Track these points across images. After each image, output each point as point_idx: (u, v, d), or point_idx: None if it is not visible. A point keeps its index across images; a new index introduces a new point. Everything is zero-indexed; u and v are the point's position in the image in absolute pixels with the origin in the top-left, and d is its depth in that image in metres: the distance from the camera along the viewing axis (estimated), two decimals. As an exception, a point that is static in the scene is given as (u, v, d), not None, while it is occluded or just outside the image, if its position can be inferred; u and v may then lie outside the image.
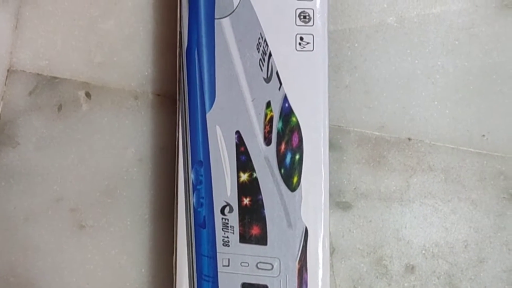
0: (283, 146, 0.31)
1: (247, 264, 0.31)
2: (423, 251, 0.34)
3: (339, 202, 0.35)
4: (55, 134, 0.35)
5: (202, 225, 0.31)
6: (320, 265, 0.30)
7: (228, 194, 0.31)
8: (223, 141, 0.31)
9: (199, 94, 0.31)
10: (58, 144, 0.35)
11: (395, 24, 0.35)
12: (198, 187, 0.31)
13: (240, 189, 0.31)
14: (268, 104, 0.31)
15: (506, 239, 0.34)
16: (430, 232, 0.34)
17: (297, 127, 0.31)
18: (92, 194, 0.35)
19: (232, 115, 0.31)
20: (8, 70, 0.35)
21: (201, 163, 0.31)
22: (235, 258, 0.31)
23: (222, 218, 0.31)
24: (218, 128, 0.31)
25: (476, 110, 0.35)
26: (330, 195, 0.34)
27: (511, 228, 0.34)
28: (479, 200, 0.34)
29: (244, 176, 0.31)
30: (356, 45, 0.35)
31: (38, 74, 0.35)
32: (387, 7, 0.35)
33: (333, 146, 0.35)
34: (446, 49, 0.35)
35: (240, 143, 0.31)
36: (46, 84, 0.35)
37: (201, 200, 0.31)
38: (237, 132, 0.31)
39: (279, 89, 0.31)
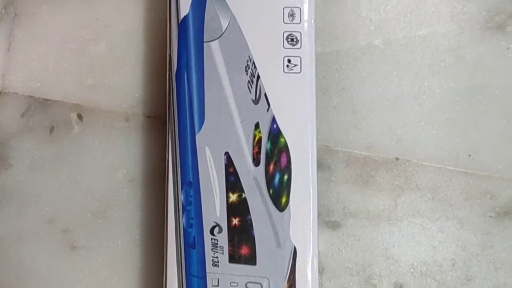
0: (271, 167, 0.31)
1: (236, 284, 0.31)
2: (412, 270, 0.35)
3: (328, 221, 0.35)
4: (47, 156, 0.35)
5: (191, 246, 0.31)
6: (309, 285, 0.31)
7: (218, 214, 0.31)
8: (212, 162, 0.31)
9: (189, 116, 0.32)
10: (50, 166, 0.35)
11: (382, 46, 0.36)
12: (187, 207, 0.31)
13: (229, 209, 0.31)
14: (257, 125, 0.31)
15: (493, 257, 0.35)
16: (418, 251, 0.35)
17: (285, 148, 0.31)
18: (83, 215, 0.35)
19: (221, 137, 0.31)
20: (0, 93, 0.36)
21: (191, 184, 0.31)
22: (224, 278, 0.31)
23: (212, 239, 0.31)
24: (207, 149, 0.32)
25: (463, 130, 0.35)
26: (319, 214, 0.35)
27: (498, 246, 0.35)
28: (466, 218, 0.35)
29: (233, 197, 0.31)
30: (343, 66, 0.36)
31: (30, 96, 0.36)
32: (374, 30, 0.36)
33: (322, 166, 0.35)
34: (432, 71, 0.36)
35: (229, 164, 0.31)
36: (38, 106, 0.36)
37: (191, 220, 0.31)
38: (226, 153, 0.31)
39: (268, 110, 0.31)
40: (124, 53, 0.36)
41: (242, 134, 0.31)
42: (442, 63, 0.36)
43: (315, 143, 0.31)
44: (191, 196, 0.31)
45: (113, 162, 0.35)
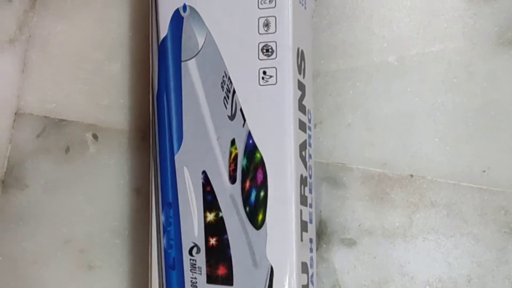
0: (247, 184, 0.31)
1: None
2: (427, 287, 0.35)
3: (343, 239, 0.35)
4: (63, 176, 0.36)
5: (171, 267, 0.31)
6: None
7: (196, 234, 0.31)
8: (190, 182, 0.31)
9: (168, 136, 0.32)
10: (66, 186, 0.35)
11: (395, 63, 0.36)
12: (168, 228, 0.31)
13: (207, 229, 0.31)
14: (233, 142, 0.31)
15: (508, 273, 0.35)
16: (433, 267, 0.35)
17: (261, 163, 0.31)
18: (100, 235, 0.35)
19: (199, 155, 0.31)
20: (15, 113, 0.36)
21: (170, 204, 0.31)
22: None
23: (190, 259, 0.31)
24: (185, 169, 0.31)
25: (476, 146, 0.36)
26: (335, 232, 0.35)
27: (512, 261, 0.35)
28: (481, 234, 0.35)
29: (210, 216, 0.31)
30: (358, 84, 0.36)
31: (45, 116, 0.36)
32: (388, 46, 0.36)
33: (337, 183, 0.35)
34: (445, 87, 0.36)
35: (206, 182, 0.31)
36: (54, 126, 0.36)
37: (171, 241, 0.31)
38: (203, 172, 0.31)
39: (243, 125, 0.31)
40: (139, 72, 0.36)
41: (218, 151, 0.31)
42: (455, 79, 0.36)
43: (293, 157, 0.31)
44: (171, 217, 0.31)
45: (130, 181, 0.35)
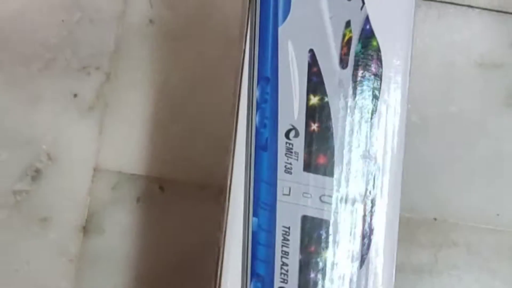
0: (360, 71, 0.28)
1: (309, 196, 0.27)
2: (452, 316, 0.40)
3: (377, 275, 0.40)
4: (135, 223, 0.41)
5: (263, 148, 0.27)
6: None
7: (295, 117, 0.27)
8: (294, 59, 0.28)
9: (273, 4, 0.28)
10: (137, 232, 0.41)
11: (418, 122, 0.42)
12: (262, 105, 0.28)
13: (308, 112, 0.27)
14: (348, 24, 0.28)
15: (522, 303, 0.40)
16: (457, 299, 0.40)
17: (377, 52, 0.28)
18: (167, 273, 0.41)
19: (307, 32, 0.28)
20: (94, 169, 0.42)
21: (268, 80, 0.28)
22: (297, 188, 0.27)
23: (286, 143, 0.27)
24: (290, 43, 0.28)
25: (490, 193, 0.41)
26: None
27: (526, 293, 0.40)
28: (498, 270, 0.40)
29: (314, 99, 0.28)
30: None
31: (119, 172, 0.42)
32: (411, 107, 0.42)
33: (370, 226, 0.41)
34: (461, 141, 0.42)
35: (313, 62, 0.28)
36: (126, 180, 0.42)
37: (265, 120, 0.28)
38: (311, 51, 0.28)
39: (361, 8, 0.28)
40: (198, 131, 0.42)
41: (330, 31, 0.28)
42: (471, 135, 0.42)
43: (410, 51, 0.28)
44: (267, 93, 0.28)
45: (193, 226, 0.41)
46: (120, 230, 0.41)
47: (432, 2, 0.43)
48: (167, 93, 0.43)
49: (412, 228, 0.41)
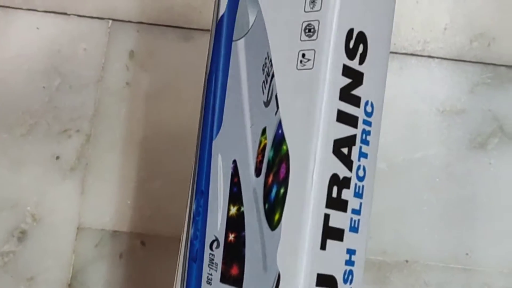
0: (270, 178, 0.27)
1: None
2: None
3: (354, 318, 0.42)
4: (119, 278, 0.43)
5: (193, 259, 0.29)
6: None
7: (218, 228, 0.28)
8: (221, 171, 0.29)
9: (210, 120, 0.30)
10: (121, 287, 0.43)
11: (386, 169, 0.44)
12: (196, 218, 0.29)
13: (228, 223, 0.28)
14: (264, 131, 0.28)
15: None
16: (431, 338, 0.42)
17: (286, 157, 0.27)
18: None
19: (233, 143, 0.29)
20: (78, 228, 0.44)
21: (202, 193, 0.29)
22: None
23: (210, 254, 0.29)
24: (219, 156, 0.29)
25: (459, 234, 0.43)
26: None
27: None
28: (469, 308, 0.42)
29: (233, 210, 0.28)
30: (356, 187, 0.44)
31: (102, 229, 0.44)
32: (379, 154, 0.44)
33: (345, 271, 0.43)
34: (429, 186, 0.44)
35: (235, 173, 0.28)
36: (109, 237, 0.43)
37: (197, 232, 0.29)
38: (234, 161, 0.29)
39: (276, 113, 0.28)
40: (178, 187, 0.44)
41: (250, 140, 0.28)
42: (437, 179, 0.44)
43: (319, 153, 0.27)
44: (200, 206, 0.29)
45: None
46: (104, 286, 0.43)
47: (394, 55, 0.45)
48: (146, 151, 0.45)
49: (385, 271, 0.42)
